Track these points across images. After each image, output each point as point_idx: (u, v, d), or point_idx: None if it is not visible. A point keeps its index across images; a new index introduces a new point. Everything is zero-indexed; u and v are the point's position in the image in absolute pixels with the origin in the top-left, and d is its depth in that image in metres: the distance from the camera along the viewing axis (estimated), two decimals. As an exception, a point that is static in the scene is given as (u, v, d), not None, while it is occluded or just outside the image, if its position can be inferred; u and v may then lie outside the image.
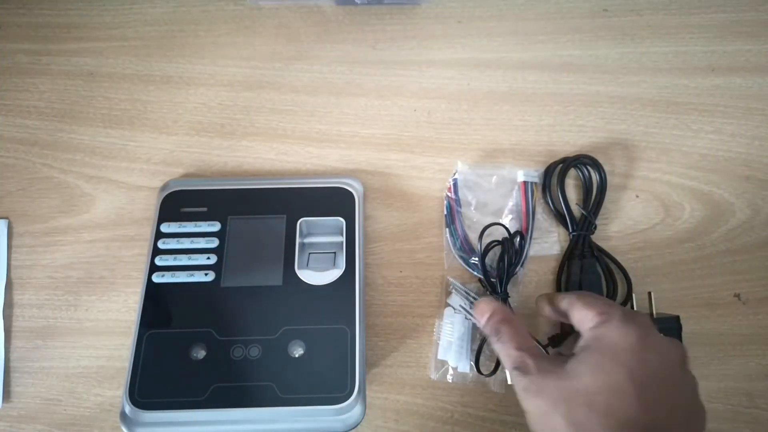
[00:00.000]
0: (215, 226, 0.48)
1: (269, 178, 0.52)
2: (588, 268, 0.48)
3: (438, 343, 0.46)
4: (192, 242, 0.47)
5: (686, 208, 0.51)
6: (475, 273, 0.48)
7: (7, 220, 0.51)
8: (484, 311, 0.40)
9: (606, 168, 0.51)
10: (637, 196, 0.52)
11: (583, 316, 0.38)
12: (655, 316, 0.46)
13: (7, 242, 0.50)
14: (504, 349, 0.38)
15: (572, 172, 0.52)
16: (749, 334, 0.47)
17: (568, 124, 0.55)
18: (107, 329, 0.47)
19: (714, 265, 0.49)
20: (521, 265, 0.48)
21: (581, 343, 0.37)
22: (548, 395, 0.34)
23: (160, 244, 0.47)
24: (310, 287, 0.45)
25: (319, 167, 0.53)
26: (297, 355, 0.43)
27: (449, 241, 0.49)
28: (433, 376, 0.46)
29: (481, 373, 0.41)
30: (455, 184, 0.51)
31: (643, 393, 0.33)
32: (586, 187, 0.51)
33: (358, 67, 0.58)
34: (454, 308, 0.46)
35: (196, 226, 0.48)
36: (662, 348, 0.35)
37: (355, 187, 0.50)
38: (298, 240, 0.47)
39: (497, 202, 0.51)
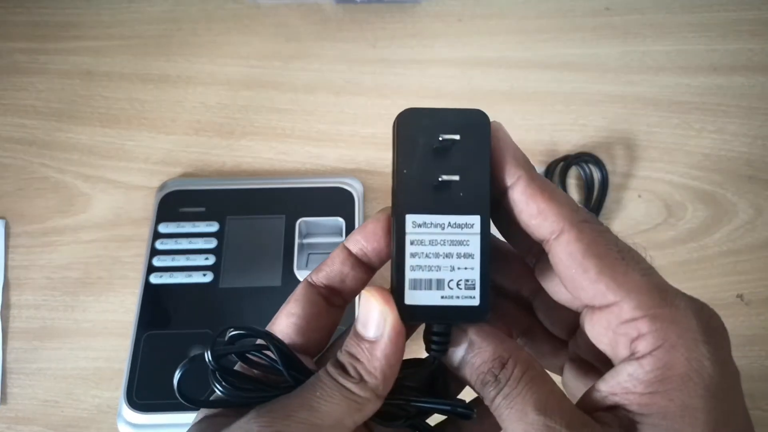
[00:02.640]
0: (214, 227, 0.47)
1: (268, 178, 0.52)
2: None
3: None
4: (190, 243, 0.47)
5: (689, 208, 0.51)
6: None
7: (4, 221, 0.50)
8: (482, 342, 0.21)
9: (608, 168, 0.51)
10: (640, 196, 0.51)
11: (610, 318, 0.19)
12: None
13: (4, 242, 0.49)
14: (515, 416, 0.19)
15: (573, 171, 0.52)
16: (752, 335, 0.47)
17: (570, 123, 0.54)
18: (105, 330, 0.47)
19: (716, 266, 0.49)
20: None
21: (625, 378, 0.19)
22: None
23: (158, 245, 0.47)
24: (310, 288, 0.45)
25: (318, 167, 0.53)
26: (296, 357, 0.42)
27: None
28: None
29: None
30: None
31: None
32: (587, 185, 0.51)
33: (357, 66, 0.57)
34: None
35: (194, 226, 0.47)
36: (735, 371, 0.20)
37: (354, 187, 0.49)
38: (297, 240, 0.47)
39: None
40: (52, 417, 0.44)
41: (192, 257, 0.46)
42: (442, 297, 0.21)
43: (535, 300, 0.25)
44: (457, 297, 0.21)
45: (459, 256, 0.21)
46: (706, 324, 0.19)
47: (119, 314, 0.47)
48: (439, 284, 0.21)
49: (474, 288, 0.20)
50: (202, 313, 0.44)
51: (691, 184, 0.52)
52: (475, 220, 0.20)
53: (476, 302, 0.20)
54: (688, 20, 0.59)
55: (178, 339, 0.43)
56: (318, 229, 0.48)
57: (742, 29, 0.58)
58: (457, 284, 0.21)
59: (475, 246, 0.20)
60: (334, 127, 0.54)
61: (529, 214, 0.20)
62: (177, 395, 0.21)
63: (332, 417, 0.19)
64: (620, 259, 0.19)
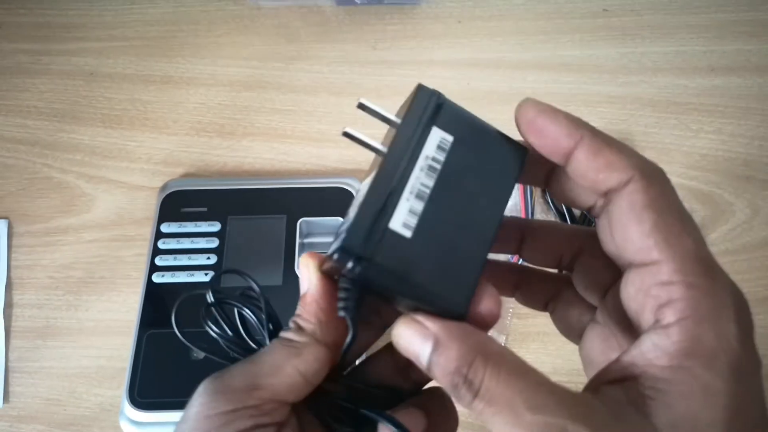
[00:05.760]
0: (215, 226, 0.48)
1: (269, 178, 0.52)
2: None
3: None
4: (192, 242, 0.47)
5: (686, 208, 0.51)
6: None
7: (7, 220, 0.51)
8: (430, 341, 0.19)
9: (606, 168, 0.51)
10: (637, 196, 0.52)
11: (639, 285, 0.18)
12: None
13: (7, 242, 0.50)
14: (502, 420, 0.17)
15: (572, 172, 0.52)
16: (749, 334, 0.47)
17: (568, 124, 0.55)
18: (107, 329, 0.47)
19: (714, 265, 0.49)
20: None
21: (648, 347, 0.18)
22: None
23: (160, 244, 0.47)
24: (310, 287, 0.45)
25: (319, 167, 0.53)
26: (297, 355, 0.43)
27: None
28: None
29: None
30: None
31: None
32: (586, 187, 0.51)
33: (358, 67, 0.58)
34: None
35: (196, 226, 0.48)
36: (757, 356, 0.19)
37: (355, 187, 0.50)
38: (298, 240, 0.47)
39: (497, 202, 0.51)
40: (54, 415, 0.45)
41: (194, 257, 0.46)
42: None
43: (576, 262, 0.24)
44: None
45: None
46: (740, 307, 0.18)
47: (121, 313, 0.47)
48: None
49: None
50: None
51: (688, 185, 0.52)
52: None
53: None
54: (685, 21, 0.59)
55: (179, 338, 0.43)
56: (319, 229, 0.48)
57: (739, 30, 0.59)
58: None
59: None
60: (334, 127, 0.55)
61: (596, 169, 0.19)
62: (172, 324, 0.26)
63: (269, 364, 0.22)
64: (678, 221, 0.19)
